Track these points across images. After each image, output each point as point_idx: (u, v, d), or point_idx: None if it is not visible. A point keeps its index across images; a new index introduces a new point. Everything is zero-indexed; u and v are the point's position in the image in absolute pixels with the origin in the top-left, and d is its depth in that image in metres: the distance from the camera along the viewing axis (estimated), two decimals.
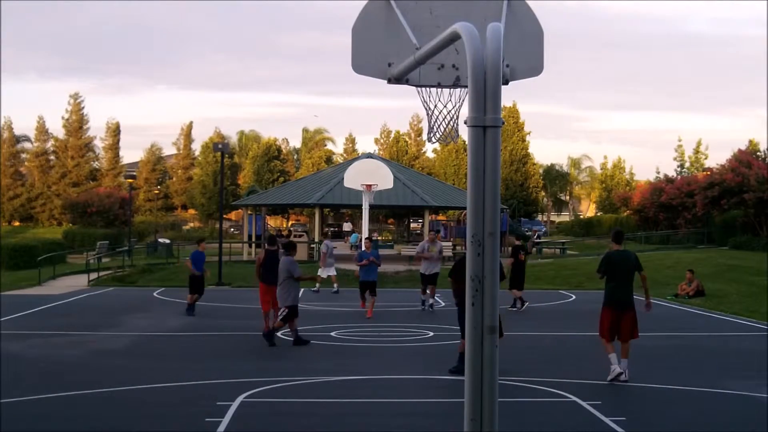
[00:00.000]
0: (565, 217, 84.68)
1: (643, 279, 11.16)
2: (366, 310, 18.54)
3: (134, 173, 65.54)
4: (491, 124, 4.48)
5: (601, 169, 77.38)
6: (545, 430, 8.50)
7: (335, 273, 24.12)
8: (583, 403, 9.44)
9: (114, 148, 78.22)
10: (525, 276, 20.16)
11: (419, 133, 77.26)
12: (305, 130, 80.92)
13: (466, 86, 5.51)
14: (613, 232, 11.63)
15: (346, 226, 57.38)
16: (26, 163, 77.44)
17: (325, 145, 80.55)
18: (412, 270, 31.59)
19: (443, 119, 6.07)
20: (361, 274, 19.27)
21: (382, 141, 78.80)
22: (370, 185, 27.38)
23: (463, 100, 5.94)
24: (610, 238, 11.63)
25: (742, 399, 9.98)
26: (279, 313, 14.09)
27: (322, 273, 23.62)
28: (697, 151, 64.84)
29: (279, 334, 15.15)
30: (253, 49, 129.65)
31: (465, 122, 4.54)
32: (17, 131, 76.37)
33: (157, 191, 76.73)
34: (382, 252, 35.31)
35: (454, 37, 4.73)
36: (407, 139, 77.57)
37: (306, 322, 16.30)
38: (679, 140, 64.31)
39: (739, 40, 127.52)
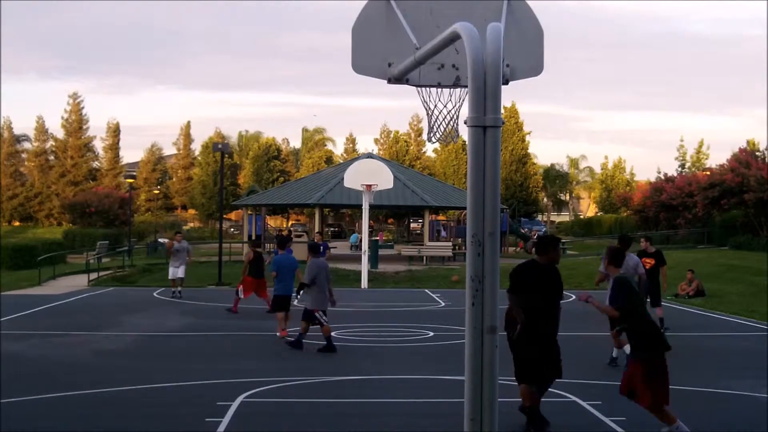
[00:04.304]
0: (565, 217, 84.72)
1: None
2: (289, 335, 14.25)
3: (134, 173, 65.54)
4: (491, 124, 4.49)
5: (602, 169, 77.46)
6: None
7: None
8: (583, 403, 9.43)
9: (114, 148, 78.28)
10: (660, 289, 15.64)
11: (419, 133, 77.25)
12: (305, 130, 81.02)
13: (466, 86, 5.51)
14: None
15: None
16: (26, 163, 77.47)
17: (325, 146, 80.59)
18: (412, 270, 31.57)
19: (443, 119, 6.07)
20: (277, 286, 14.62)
21: (382, 141, 78.80)
22: (370, 185, 27.34)
23: (463, 100, 5.94)
24: None
25: (742, 399, 9.97)
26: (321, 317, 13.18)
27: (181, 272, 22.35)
28: (698, 151, 64.94)
29: (278, 333, 15.15)
30: (252, 49, 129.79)
31: (465, 122, 4.54)
32: (17, 131, 76.53)
33: (157, 191, 76.76)
34: (382, 252, 35.13)
35: (454, 37, 4.73)
36: (407, 139, 77.54)
37: None
38: (681, 140, 64.52)
39: (739, 40, 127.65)
